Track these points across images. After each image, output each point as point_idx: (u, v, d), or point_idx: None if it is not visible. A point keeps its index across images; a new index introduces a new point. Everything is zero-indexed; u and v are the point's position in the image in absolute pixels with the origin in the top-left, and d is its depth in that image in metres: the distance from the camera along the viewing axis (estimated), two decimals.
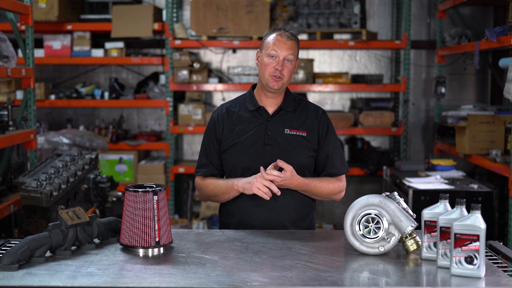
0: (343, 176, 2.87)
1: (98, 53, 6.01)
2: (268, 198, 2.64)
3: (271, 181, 2.63)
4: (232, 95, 6.49)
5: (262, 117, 2.81)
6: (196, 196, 6.20)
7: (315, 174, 2.89)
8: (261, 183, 2.62)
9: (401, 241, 2.28)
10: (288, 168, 2.64)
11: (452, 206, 2.17)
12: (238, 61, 6.48)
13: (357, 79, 6.14)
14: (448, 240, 2.08)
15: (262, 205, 2.74)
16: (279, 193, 2.64)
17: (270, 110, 2.83)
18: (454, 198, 2.17)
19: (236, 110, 2.86)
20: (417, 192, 4.50)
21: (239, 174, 2.77)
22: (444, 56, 5.99)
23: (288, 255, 2.26)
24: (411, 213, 2.31)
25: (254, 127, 2.80)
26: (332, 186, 2.81)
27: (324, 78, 6.07)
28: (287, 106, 2.83)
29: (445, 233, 2.09)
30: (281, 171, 2.65)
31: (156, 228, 2.27)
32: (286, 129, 2.79)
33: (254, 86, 2.90)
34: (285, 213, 2.76)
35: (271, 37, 2.77)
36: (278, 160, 2.65)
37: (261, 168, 2.65)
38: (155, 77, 6.29)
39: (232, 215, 2.83)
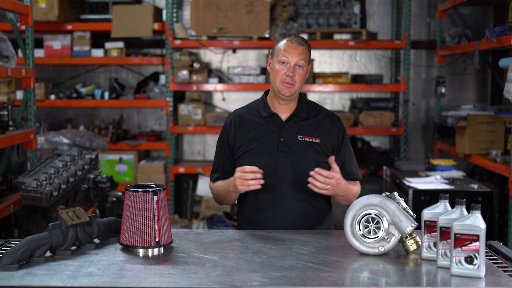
0: (358, 181, 2.88)
1: (98, 53, 6.01)
2: (260, 186, 2.61)
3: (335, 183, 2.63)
4: (232, 95, 6.50)
5: (275, 124, 2.80)
6: (196, 196, 6.21)
7: None
8: (239, 176, 2.60)
9: (401, 241, 2.28)
10: (337, 168, 2.65)
11: (452, 206, 2.17)
12: (238, 61, 6.48)
13: (357, 79, 6.14)
14: (448, 240, 2.08)
15: (279, 212, 2.73)
16: (259, 186, 2.61)
17: (283, 116, 2.81)
18: (454, 198, 2.17)
19: (249, 117, 2.84)
20: (417, 192, 4.50)
21: None
22: (444, 56, 5.99)
23: (288, 255, 2.26)
24: (411, 213, 2.31)
25: (267, 134, 2.78)
26: (356, 189, 2.82)
27: (324, 78, 6.07)
28: (301, 113, 2.81)
29: (445, 233, 2.09)
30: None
31: (156, 228, 2.27)
32: (299, 136, 2.77)
33: (267, 92, 2.88)
34: (303, 219, 2.76)
35: (282, 43, 2.75)
36: (330, 157, 2.65)
37: (312, 173, 2.61)
38: (155, 77, 6.29)
39: (248, 222, 2.81)
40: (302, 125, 2.80)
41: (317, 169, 2.62)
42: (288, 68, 2.72)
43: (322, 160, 2.77)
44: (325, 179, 2.60)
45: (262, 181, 2.62)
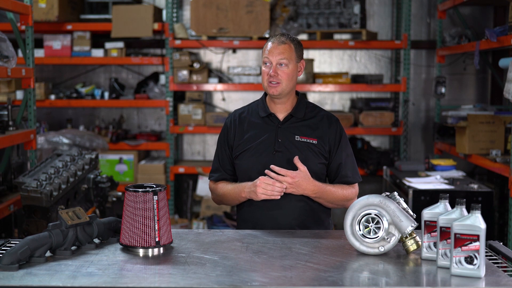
0: (356, 184, 2.86)
1: (98, 53, 6.01)
2: (279, 197, 2.65)
3: (287, 183, 2.65)
4: (232, 95, 6.50)
5: (273, 124, 2.81)
6: (196, 196, 6.21)
7: (327, 182, 2.87)
8: (263, 186, 2.63)
9: (401, 241, 2.28)
10: (303, 168, 2.66)
11: (452, 206, 2.17)
12: (238, 61, 6.48)
13: (357, 79, 6.14)
14: (448, 240, 2.08)
15: (275, 212, 2.74)
16: (279, 196, 2.65)
17: (281, 116, 2.83)
18: (454, 198, 2.17)
19: (248, 116, 2.86)
20: (417, 192, 4.51)
21: (249, 180, 2.75)
22: (444, 56, 5.99)
23: (288, 255, 2.26)
24: (411, 213, 2.31)
25: (265, 134, 2.79)
26: (346, 192, 2.79)
27: (324, 78, 6.07)
28: (298, 113, 2.82)
29: (445, 233, 2.09)
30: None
31: (156, 228, 2.27)
32: (296, 136, 2.78)
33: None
34: (300, 219, 2.76)
35: (266, 46, 2.79)
36: (295, 157, 2.66)
37: (267, 171, 2.65)
38: (155, 77, 6.29)
39: (245, 221, 2.83)
40: (299, 126, 2.81)
41: (271, 166, 2.66)
42: (271, 67, 2.74)
43: (319, 161, 2.78)
44: (277, 176, 2.63)
45: (282, 192, 2.65)
